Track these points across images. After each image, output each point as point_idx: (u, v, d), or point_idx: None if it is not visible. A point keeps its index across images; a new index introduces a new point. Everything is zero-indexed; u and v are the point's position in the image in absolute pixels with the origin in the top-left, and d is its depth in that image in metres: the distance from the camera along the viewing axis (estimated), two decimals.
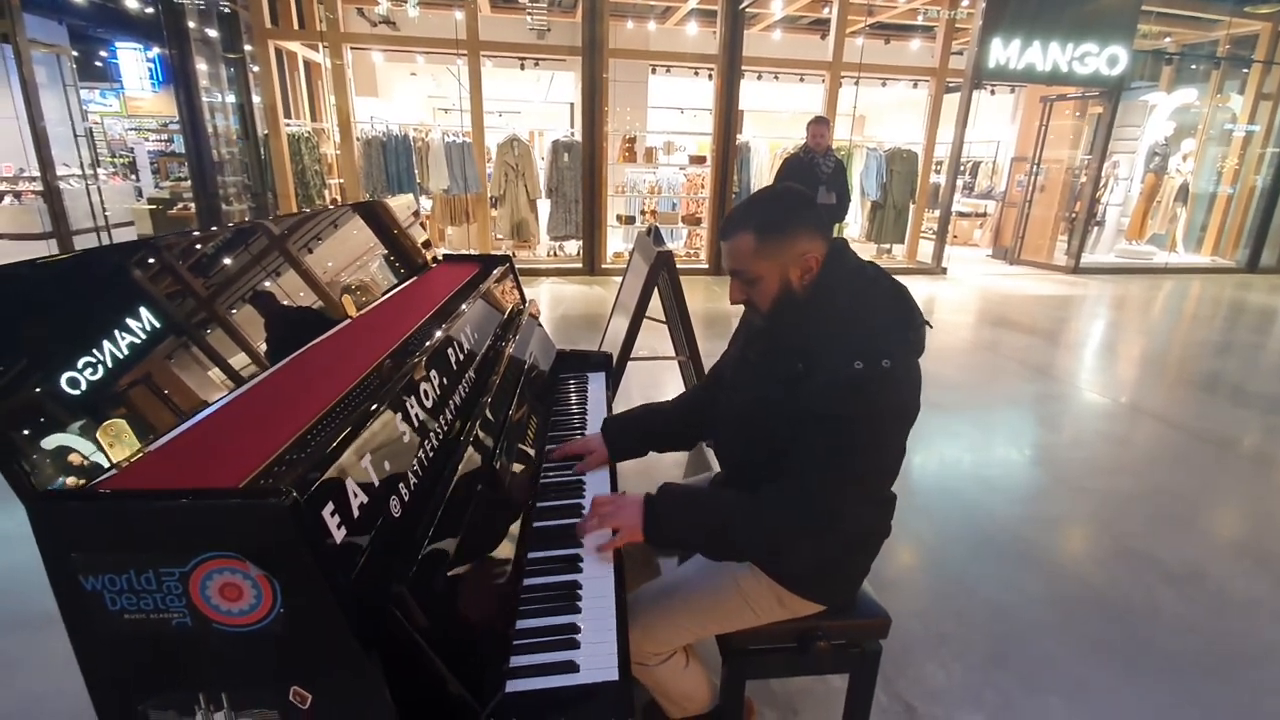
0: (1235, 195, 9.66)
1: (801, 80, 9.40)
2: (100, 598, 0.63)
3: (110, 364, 0.77)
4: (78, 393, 0.72)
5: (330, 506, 0.69)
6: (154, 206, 8.26)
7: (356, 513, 0.73)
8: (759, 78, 8.46)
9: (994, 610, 2.14)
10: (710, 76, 7.83)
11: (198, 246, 1.06)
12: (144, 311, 0.86)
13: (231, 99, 6.94)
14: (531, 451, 1.44)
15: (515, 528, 1.15)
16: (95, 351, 0.76)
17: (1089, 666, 1.91)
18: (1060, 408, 4.08)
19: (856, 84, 7.91)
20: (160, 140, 12.23)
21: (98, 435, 0.71)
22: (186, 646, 0.66)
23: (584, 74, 7.25)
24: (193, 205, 7.39)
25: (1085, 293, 7.85)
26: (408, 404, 0.98)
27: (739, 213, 1.17)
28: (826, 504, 1.09)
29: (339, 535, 0.68)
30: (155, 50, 10.77)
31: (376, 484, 0.80)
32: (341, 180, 7.47)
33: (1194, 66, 9.74)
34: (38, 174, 7.05)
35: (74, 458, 0.68)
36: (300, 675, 0.67)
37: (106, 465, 0.71)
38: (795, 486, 1.10)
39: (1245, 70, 9.30)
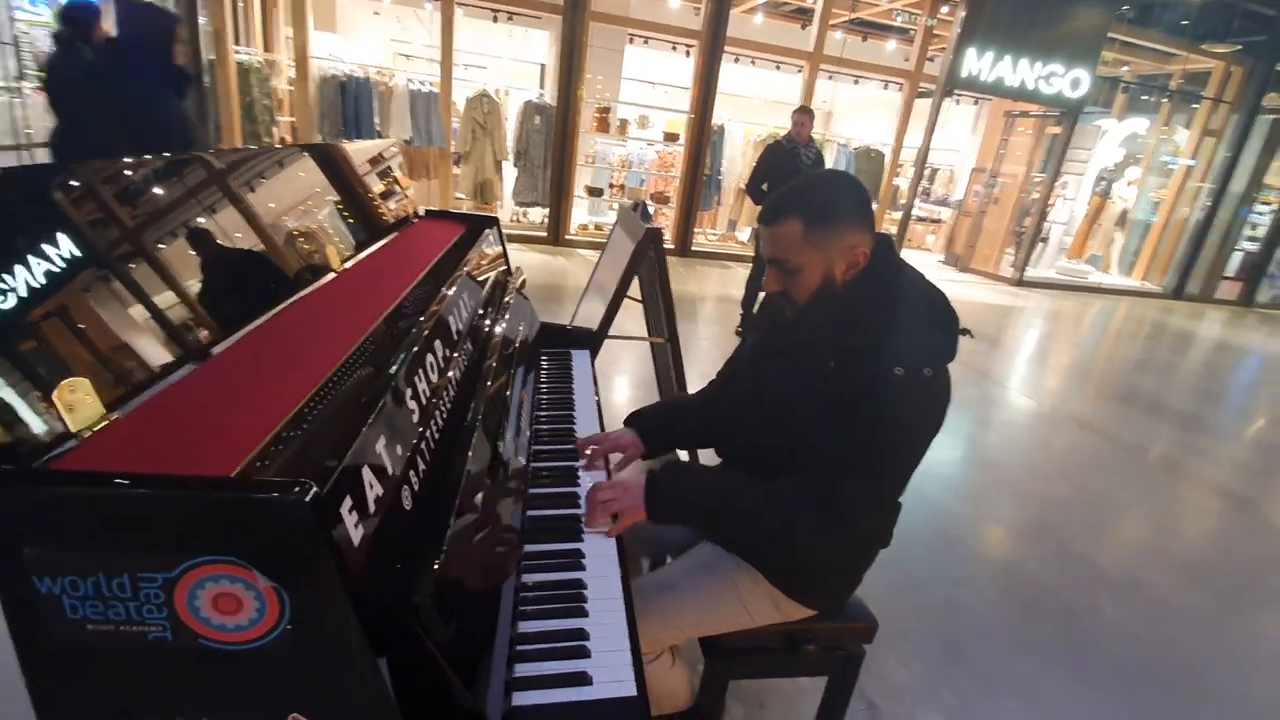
0: (1168, 225, 10.23)
1: (778, 68, 9.34)
2: (58, 603, 0.51)
3: (52, 309, 0.63)
4: (23, 342, 0.58)
5: (349, 502, 0.58)
6: None
7: (373, 508, 0.62)
8: (735, 60, 8.33)
9: (952, 609, 2.19)
10: (689, 53, 7.65)
11: (153, 177, 0.90)
12: (85, 245, 0.71)
13: None
14: (525, 434, 1.34)
15: (514, 520, 1.06)
16: (33, 292, 0.62)
17: (1033, 661, 1.98)
18: (997, 410, 4.37)
19: (831, 78, 7.90)
20: None
21: (54, 397, 0.58)
22: (164, 664, 0.54)
23: (563, 35, 6.95)
24: None
25: (1025, 304, 8.21)
26: (416, 380, 0.87)
27: (787, 196, 1.09)
28: (845, 503, 1.05)
29: (357, 536, 0.58)
30: None
31: (390, 474, 0.69)
32: (294, 119, 6.96)
33: (1146, 97, 10.19)
34: None
35: (24, 424, 0.55)
36: (302, 698, 0.57)
37: (63, 433, 0.58)
38: (817, 483, 1.06)
39: (1195, 105, 9.77)
